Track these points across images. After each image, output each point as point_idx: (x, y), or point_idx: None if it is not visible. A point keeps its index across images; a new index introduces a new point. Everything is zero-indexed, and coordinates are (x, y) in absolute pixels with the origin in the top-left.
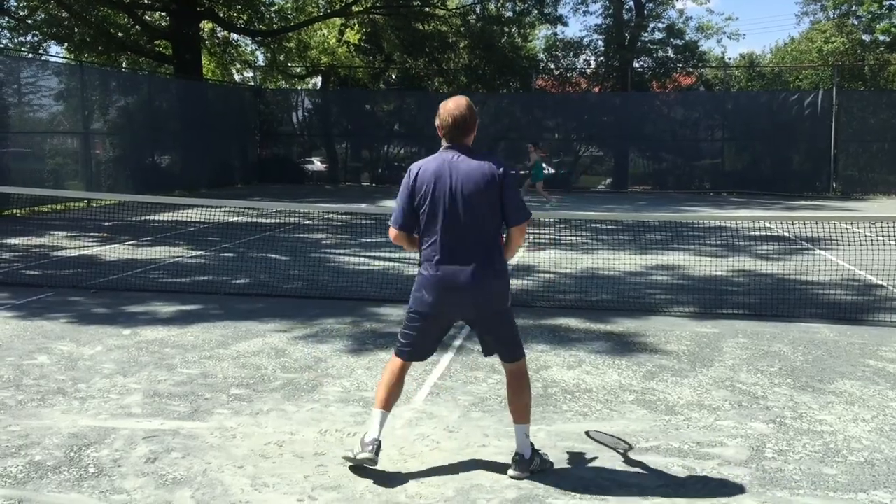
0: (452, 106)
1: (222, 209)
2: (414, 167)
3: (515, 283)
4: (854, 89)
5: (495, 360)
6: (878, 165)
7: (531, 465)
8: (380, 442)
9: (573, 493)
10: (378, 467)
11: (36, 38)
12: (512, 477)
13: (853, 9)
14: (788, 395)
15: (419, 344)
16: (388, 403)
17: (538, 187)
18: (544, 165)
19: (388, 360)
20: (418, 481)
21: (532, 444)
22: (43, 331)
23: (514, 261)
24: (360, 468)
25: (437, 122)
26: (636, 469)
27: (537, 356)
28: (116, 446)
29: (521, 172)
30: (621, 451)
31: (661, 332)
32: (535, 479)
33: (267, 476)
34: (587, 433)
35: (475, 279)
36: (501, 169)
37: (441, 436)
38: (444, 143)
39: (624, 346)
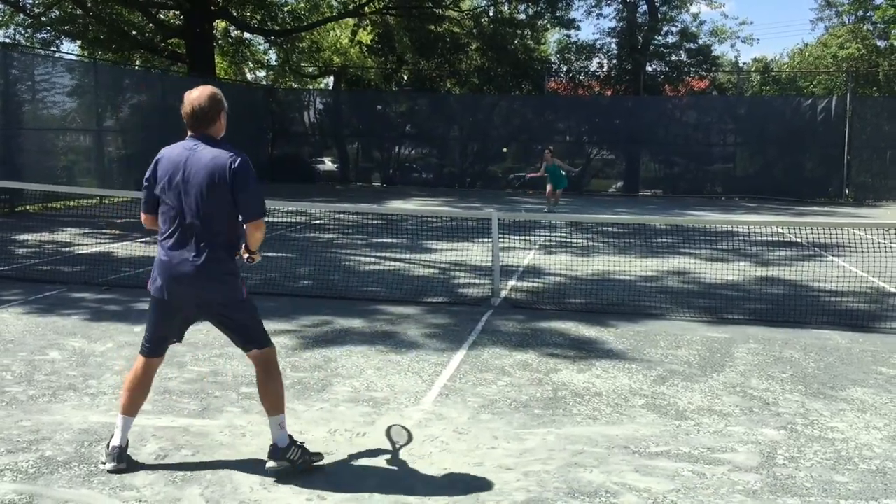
0: (195, 95)
1: None
2: (160, 153)
3: (523, 285)
4: (868, 95)
5: (504, 361)
6: (891, 172)
7: (288, 453)
8: (121, 448)
9: (582, 497)
10: (387, 467)
11: (50, 35)
12: (268, 469)
13: (868, 14)
14: (800, 402)
15: (158, 335)
16: (133, 408)
17: (548, 191)
18: (563, 172)
19: (398, 360)
20: (427, 482)
21: (290, 437)
22: (55, 327)
23: (524, 262)
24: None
25: (182, 111)
26: (645, 474)
27: (547, 359)
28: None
29: (529, 176)
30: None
31: (671, 337)
32: (544, 482)
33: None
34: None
35: (196, 269)
36: (236, 161)
37: (450, 437)
38: (188, 131)
39: (634, 349)
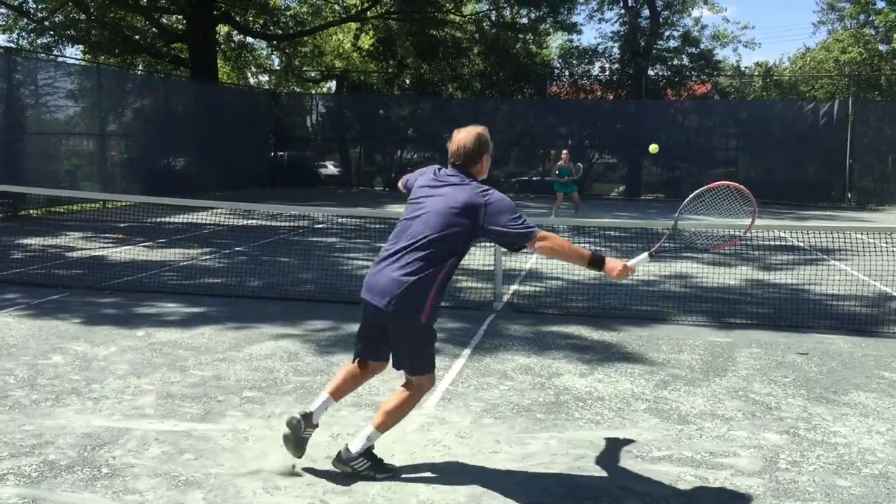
0: (462, 134)
1: (236, 212)
2: (425, 168)
3: (525, 289)
4: (870, 100)
5: (506, 365)
6: (893, 176)
7: (354, 462)
8: (306, 415)
9: (585, 501)
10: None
11: (52, 40)
12: (333, 464)
13: (871, 19)
14: (802, 406)
15: (362, 341)
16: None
17: (559, 198)
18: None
19: None
20: (430, 486)
21: (370, 449)
22: (57, 331)
23: (526, 266)
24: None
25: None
26: (648, 478)
27: (549, 363)
28: (130, 447)
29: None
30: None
31: (673, 341)
32: (546, 486)
33: (279, 479)
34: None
35: (388, 287)
36: (487, 198)
37: (452, 441)
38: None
39: (636, 354)
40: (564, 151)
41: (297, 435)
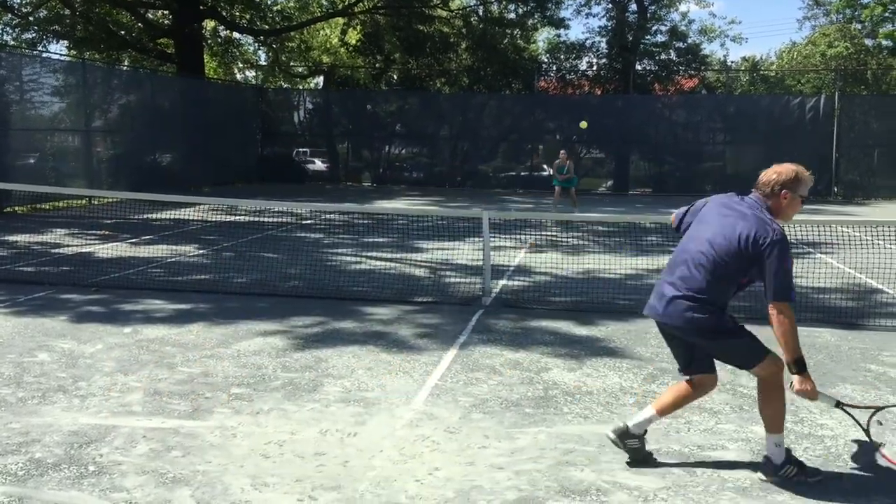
0: (779, 166)
1: (223, 208)
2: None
3: (513, 284)
4: (856, 94)
5: (495, 360)
6: (879, 170)
7: (781, 470)
8: (625, 428)
9: (573, 495)
10: (379, 467)
11: (37, 35)
12: (760, 479)
13: (857, 13)
14: (790, 399)
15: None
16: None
17: (556, 192)
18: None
19: (389, 360)
20: (418, 482)
21: (788, 451)
22: (44, 328)
23: (514, 261)
24: (363, 468)
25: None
26: (637, 471)
27: (538, 358)
28: (117, 444)
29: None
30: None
31: (661, 336)
32: (535, 481)
33: (267, 476)
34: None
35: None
36: (767, 239)
37: (441, 437)
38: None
39: (624, 348)
40: (562, 151)
41: (627, 448)
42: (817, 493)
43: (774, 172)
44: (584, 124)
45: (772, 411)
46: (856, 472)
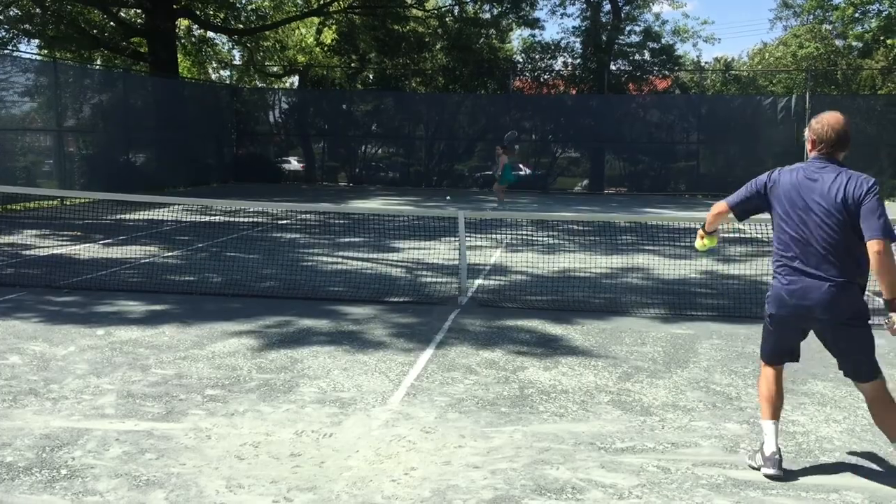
0: (833, 120)
1: (197, 209)
2: (773, 172)
3: (489, 283)
4: (827, 94)
5: (471, 360)
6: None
7: None
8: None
9: (549, 494)
10: (355, 468)
11: (7, 34)
12: None
13: (828, 14)
14: (755, 405)
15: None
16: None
17: (496, 188)
18: (521, 166)
19: (365, 360)
20: (395, 482)
21: None
22: (14, 331)
23: (490, 260)
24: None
25: (809, 134)
26: (611, 469)
27: (513, 357)
28: (89, 447)
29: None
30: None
31: (636, 334)
32: (511, 480)
33: (242, 477)
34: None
35: (821, 295)
36: (869, 183)
37: (417, 437)
38: (813, 154)
39: (600, 347)
40: (498, 148)
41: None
42: (788, 489)
43: (844, 127)
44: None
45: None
46: (825, 466)
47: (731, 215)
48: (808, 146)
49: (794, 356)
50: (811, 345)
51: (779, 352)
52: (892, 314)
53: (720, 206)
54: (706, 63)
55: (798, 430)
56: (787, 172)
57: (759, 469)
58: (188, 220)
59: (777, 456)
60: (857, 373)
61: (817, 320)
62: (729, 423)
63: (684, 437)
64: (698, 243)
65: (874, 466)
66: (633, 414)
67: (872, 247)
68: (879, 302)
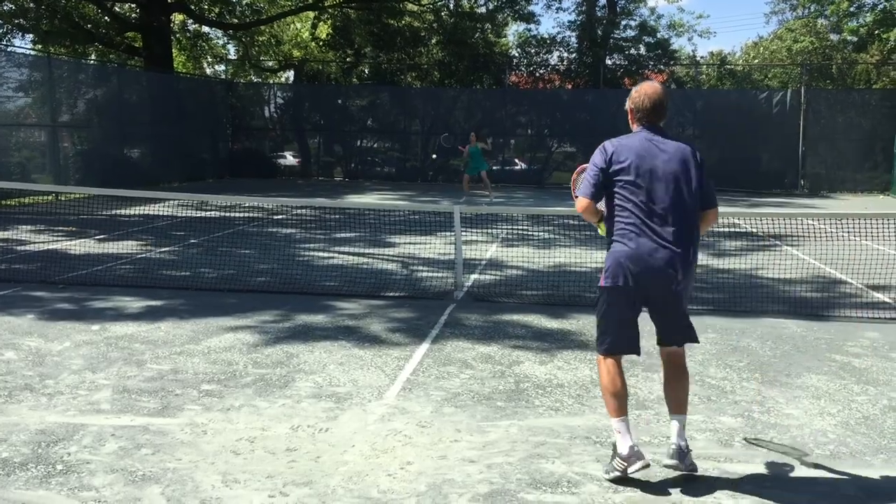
0: (651, 90)
1: (192, 204)
2: (614, 143)
3: (485, 278)
4: (822, 88)
5: (467, 354)
6: (844, 163)
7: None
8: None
9: (545, 488)
10: (351, 462)
11: (1, 29)
12: (672, 466)
13: (823, 9)
14: (756, 390)
15: (623, 329)
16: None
17: (464, 179)
18: (516, 161)
19: (361, 355)
20: (391, 476)
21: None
22: (10, 326)
23: (486, 255)
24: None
25: (630, 105)
26: (607, 463)
27: (509, 351)
28: (85, 443)
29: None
30: (795, 457)
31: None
32: (506, 474)
33: (238, 472)
34: (746, 439)
35: (675, 258)
36: (697, 152)
37: (413, 431)
38: (635, 126)
39: (595, 341)
40: (472, 134)
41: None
42: (782, 482)
43: (661, 96)
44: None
45: (688, 390)
46: (820, 459)
47: (597, 205)
48: (629, 116)
49: (637, 341)
50: (806, 336)
51: (624, 332)
52: None
53: (584, 203)
54: (702, 57)
55: (793, 424)
56: (624, 143)
57: (623, 473)
58: (183, 215)
59: (636, 448)
60: (689, 335)
61: (663, 285)
62: (723, 417)
63: None
64: (601, 230)
65: (868, 459)
66: (629, 407)
67: (712, 214)
68: (875, 296)
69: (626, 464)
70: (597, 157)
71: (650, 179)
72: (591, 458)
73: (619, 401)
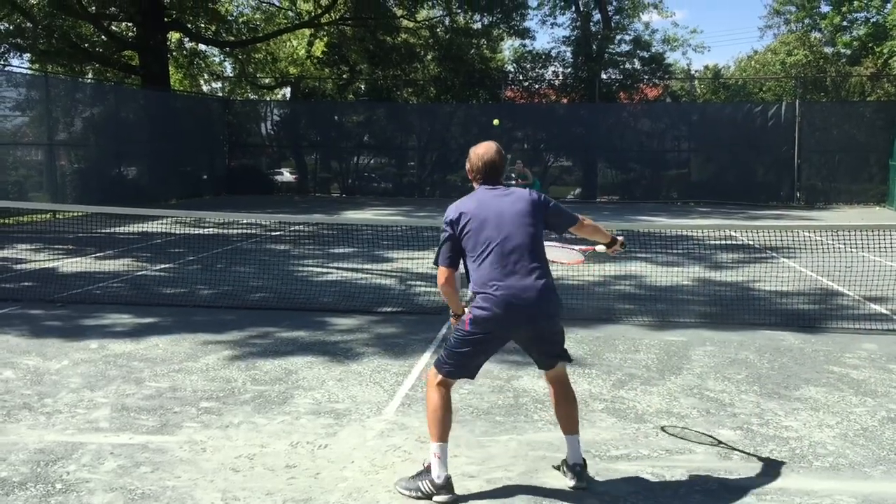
0: (483, 151)
1: (189, 221)
2: (459, 207)
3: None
4: (816, 101)
5: None
6: (839, 175)
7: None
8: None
9: (545, 502)
10: (351, 479)
11: None
12: (574, 488)
13: (816, 22)
14: (755, 402)
15: (475, 364)
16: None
17: None
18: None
19: (359, 371)
20: (390, 493)
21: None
22: (8, 345)
23: None
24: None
25: (468, 166)
26: (606, 477)
27: (508, 366)
28: (84, 461)
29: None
30: (714, 448)
31: (629, 341)
32: (506, 489)
33: (237, 490)
34: (663, 428)
35: (540, 293)
36: (534, 193)
37: (412, 447)
38: (475, 185)
39: (593, 355)
40: (518, 162)
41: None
42: (782, 494)
43: (495, 159)
44: (496, 122)
45: (577, 409)
46: (819, 471)
47: (456, 272)
48: (469, 175)
49: (479, 368)
50: (804, 348)
51: (473, 364)
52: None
53: (444, 273)
54: (696, 71)
55: (791, 436)
56: (466, 203)
57: (427, 496)
58: (180, 232)
59: (450, 479)
60: (565, 356)
61: (528, 324)
62: (723, 430)
63: (678, 443)
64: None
65: (867, 471)
66: (628, 421)
67: (581, 223)
68: (872, 307)
69: (435, 491)
70: (446, 225)
71: (497, 224)
72: (591, 472)
73: (446, 426)
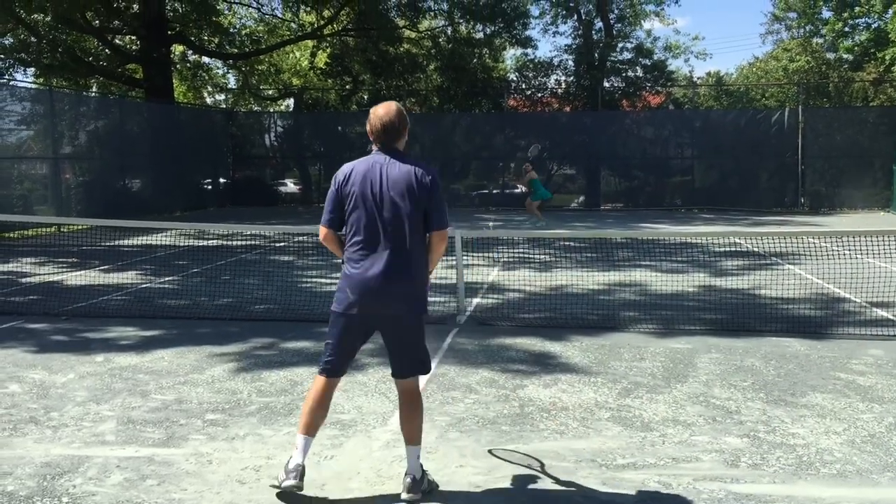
0: (383, 112)
1: (193, 233)
2: (348, 167)
3: (487, 302)
4: (819, 107)
5: (471, 379)
6: (844, 181)
7: (422, 485)
8: (304, 467)
9: None
10: (356, 490)
11: (3, 63)
12: (406, 500)
13: (818, 28)
14: (761, 410)
15: (341, 352)
16: (313, 428)
17: (530, 205)
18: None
19: (364, 381)
20: None
21: (422, 465)
22: (13, 359)
23: (488, 279)
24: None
25: (368, 127)
26: (613, 486)
27: (513, 375)
28: (90, 475)
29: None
30: (536, 468)
31: (635, 349)
32: (513, 498)
33: (244, 502)
34: (490, 451)
35: (389, 281)
36: (428, 176)
37: None
38: (374, 147)
39: (599, 363)
40: (527, 165)
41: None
42: (789, 502)
43: (391, 118)
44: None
45: (421, 421)
46: (826, 478)
47: (338, 233)
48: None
49: (347, 366)
50: (809, 355)
51: (340, 355)
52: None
53: (322, 231)
54: (698, 78)
55: (798, 443)
56: (356, 167)
57: (280, 486)
58: (184, 244)
59: (301, 468)
60: (418, 368)
61: (385, 313)
62: (729, 437)
63: (685, 451)
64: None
65: (875, 478)
66: (634, 430)
67: (437, 236)
68: (878, 313)
69: (284, 478)
70: (333, 183)
71: (373, 204)
72: (597, 481)
73: (316, 421)
